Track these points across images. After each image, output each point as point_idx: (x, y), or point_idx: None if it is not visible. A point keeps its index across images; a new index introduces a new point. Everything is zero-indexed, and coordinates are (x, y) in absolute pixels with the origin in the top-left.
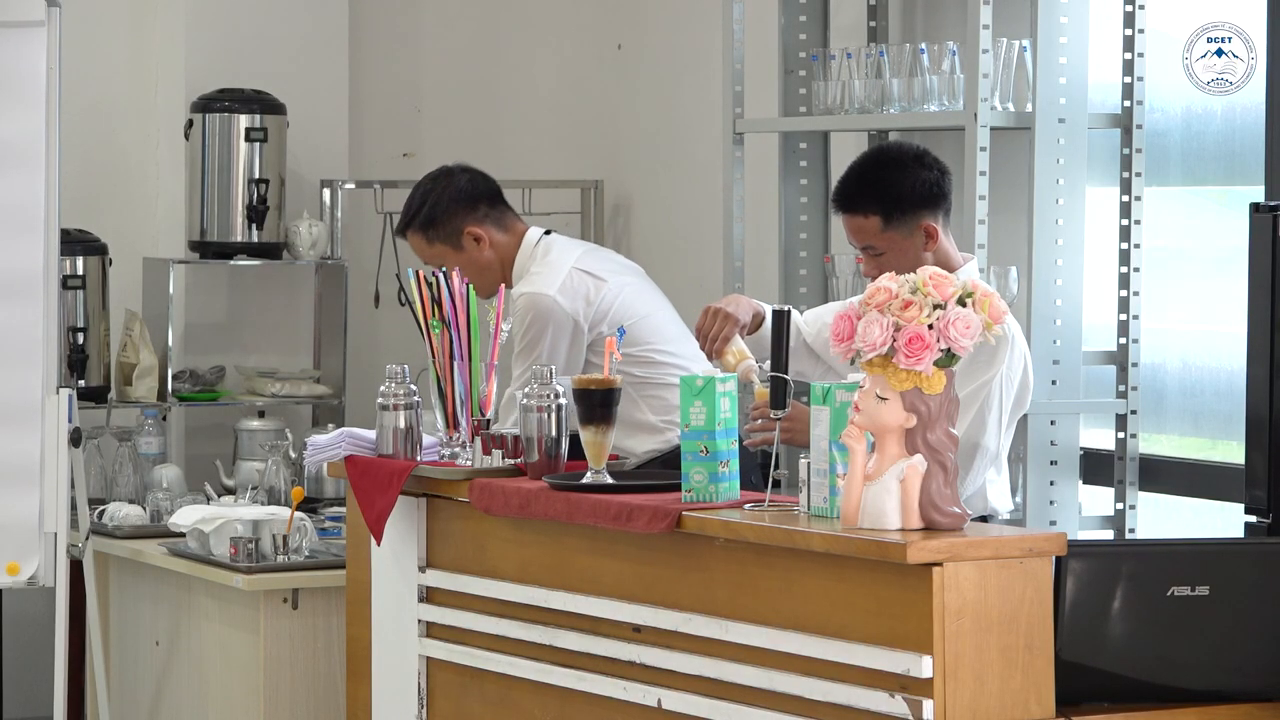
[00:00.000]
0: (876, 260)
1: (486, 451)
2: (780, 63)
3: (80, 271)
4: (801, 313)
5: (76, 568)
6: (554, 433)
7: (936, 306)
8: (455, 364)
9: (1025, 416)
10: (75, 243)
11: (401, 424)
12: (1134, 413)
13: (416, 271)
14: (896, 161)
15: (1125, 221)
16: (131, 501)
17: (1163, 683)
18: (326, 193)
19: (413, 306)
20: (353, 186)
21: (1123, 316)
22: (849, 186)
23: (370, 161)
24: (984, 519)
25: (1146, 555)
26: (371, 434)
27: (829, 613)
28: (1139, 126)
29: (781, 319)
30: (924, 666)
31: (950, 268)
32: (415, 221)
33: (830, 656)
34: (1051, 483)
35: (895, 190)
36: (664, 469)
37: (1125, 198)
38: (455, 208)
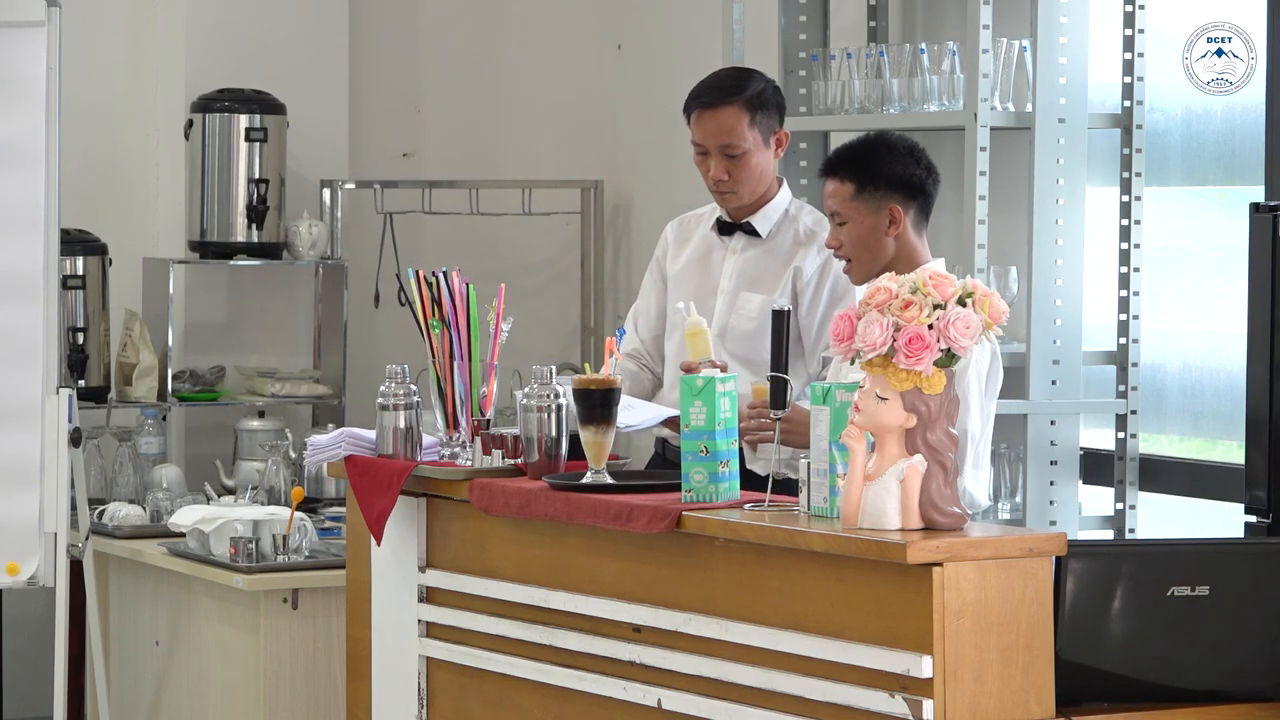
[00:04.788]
0: (840, 230)
1: (486, 451)
2: (780, 63)
3: (80, 271)
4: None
5: (76, 568)
6: (554, 433)
7: (936, 306)
8: (455, 364)
9: (1025, 416)
10: (75, 243)
11: (401, 424)
12: (1134, 413)
13: (417, 271)
14: (888, 145)
15: (1125, 221)
16: (131, 501)
17: (1163, 683)
18: (326, 193)
19: (413, 306)
20: (353, 186)
21: (1123, 316)
22: (840, 154)
23: (370, 161)
24: None
25: (1146, 555)
26: (371, 434)
27: (829, 613)
28: (1139, 126)
29: (781, 319)
30: (924, 666)
31: (914, 262)
32: (748, 94)
33: (830, 656)
34: (1051, 483)
35: (875, 166)
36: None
37: (1125, 198)
38: (779, 110)
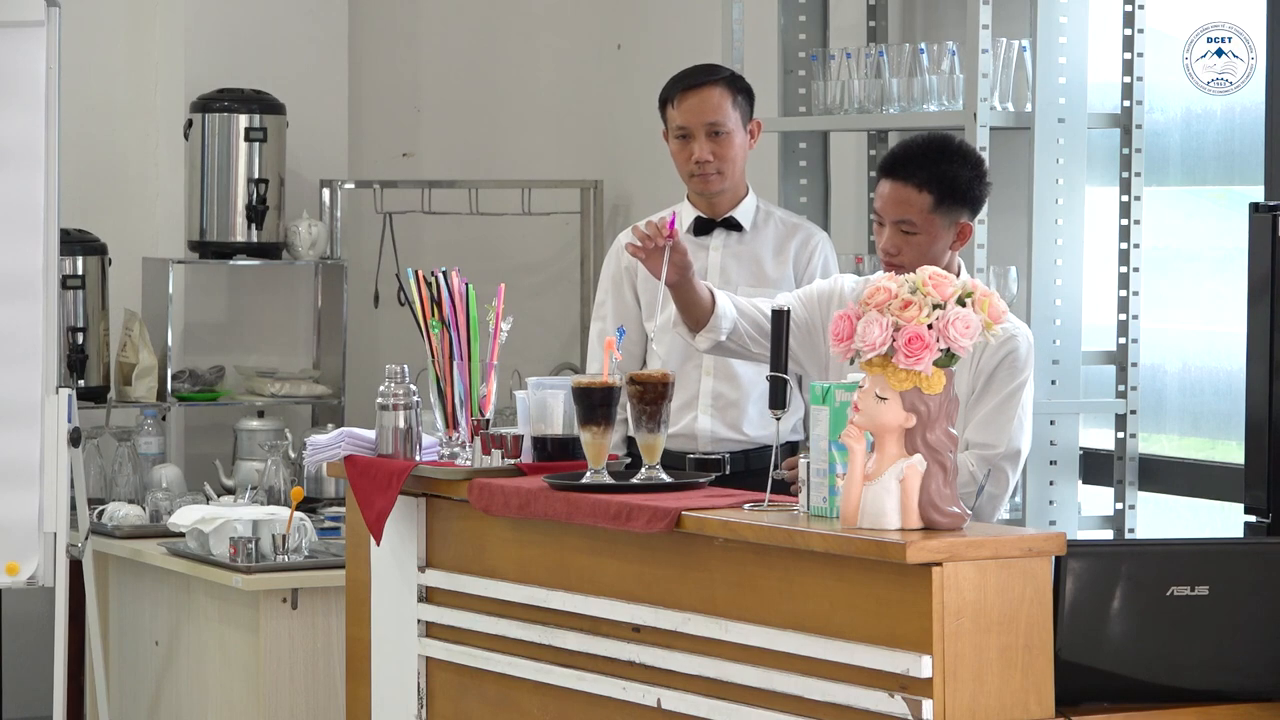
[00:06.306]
0: (907, 239)
1: (486, 451)
2: (780, 63)
3: (80, 271)
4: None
5: (76, 568)
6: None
7: (936, 306)
8: (455, 364)
9: None
10: (75, 243)
11: (401, 424)
12: (1134, 413)
13: (416, 271)
14: (961, 156)
15: (1125, 221)
16: (131, 501)
17: (1162, 683)
18: (326, 193)
19: (412, 306)
20: (352, 186)
21: (1122, 316)
22: (911, 155)
23: (370, 161)
24: None
25: (1146, 555)
26: (371, 434)
27: (829, 613)
28: (1138, 126)
29: (781, 319)
30: (923, 666)
31: (953, 269)
32: (729, 75)
33: (830, 656)
34: (1051, 483)
35: (954, 179)
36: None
37: (1125, 198)
38: (751, 100)
